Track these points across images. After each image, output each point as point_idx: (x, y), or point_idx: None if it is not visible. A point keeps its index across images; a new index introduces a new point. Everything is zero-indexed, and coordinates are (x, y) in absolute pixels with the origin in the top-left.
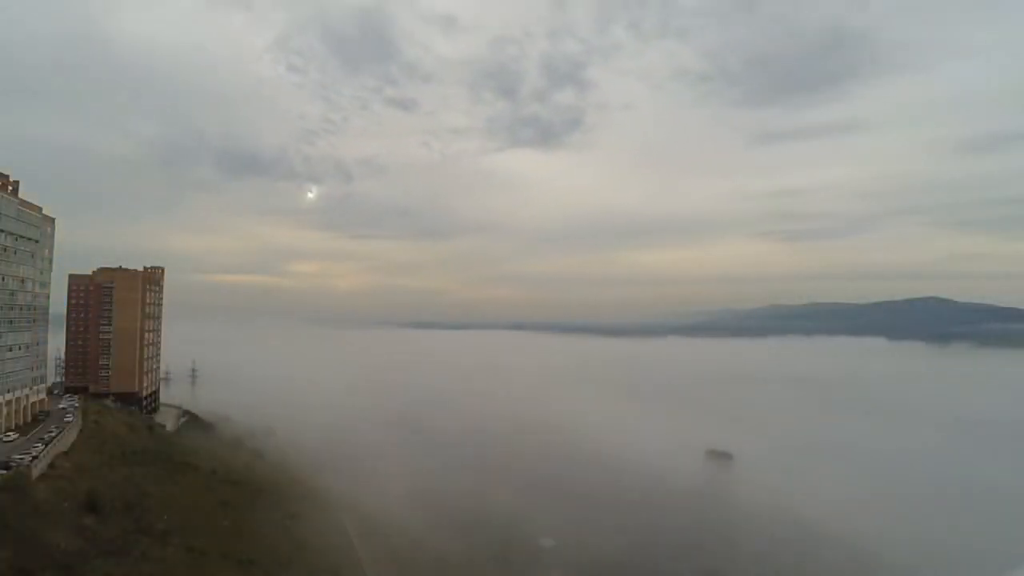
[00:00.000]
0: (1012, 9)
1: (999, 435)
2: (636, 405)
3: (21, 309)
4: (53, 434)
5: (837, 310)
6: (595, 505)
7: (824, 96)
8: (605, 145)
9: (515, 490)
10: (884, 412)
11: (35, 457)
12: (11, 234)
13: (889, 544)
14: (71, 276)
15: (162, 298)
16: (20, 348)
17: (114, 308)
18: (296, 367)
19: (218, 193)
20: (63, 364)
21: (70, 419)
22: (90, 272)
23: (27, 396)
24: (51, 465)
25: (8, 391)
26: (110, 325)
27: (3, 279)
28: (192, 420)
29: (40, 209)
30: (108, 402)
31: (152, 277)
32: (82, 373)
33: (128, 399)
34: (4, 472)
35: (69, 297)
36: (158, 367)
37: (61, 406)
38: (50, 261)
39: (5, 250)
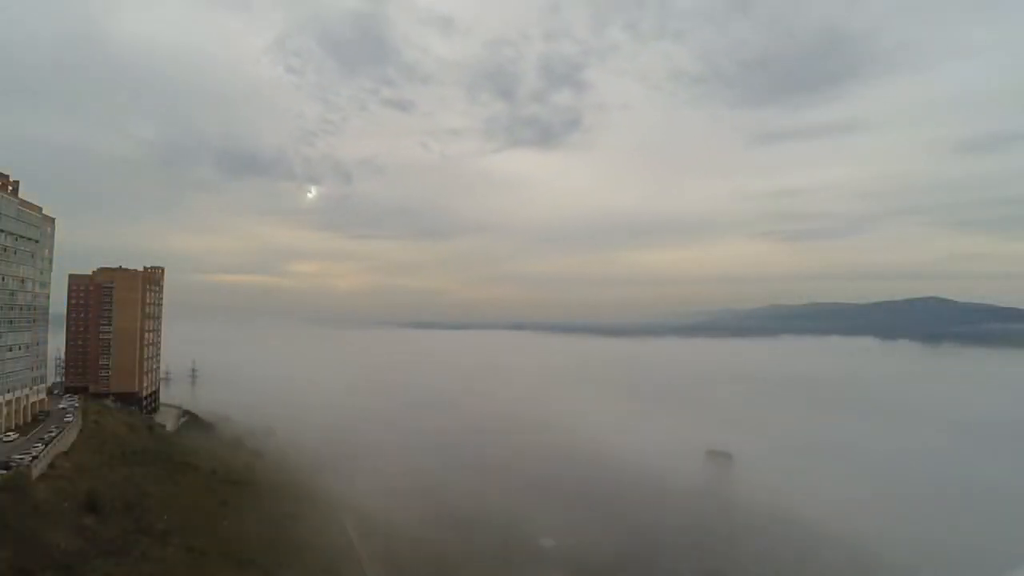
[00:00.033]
0: (1012, 9)
1: (999, 435)
2: (636, 405)
3: (21, 309)
4: (53, 434)
5: (837, 310)
6: (595, 505)
7: (824, 96)
8: (604, 145)
9: (515, 490)
10: (884, 412)
11: (35, 457)
12: (11, 234)
13: (889, 544)
14: (71, 276)
15: (162, 298)
16: (20, 348)
17: (114, 308)
18: (296, 367)
19: (218, 193)
20: (63, 364)
21: (70, 419)
22: (90, 272)
23: (27, 396)
24: (51, 465)
25: (8, 391)
26: (110, 325)
27: (3, 279)
28: (192, 420)
29: (40, 209)
30: (108, 402)
31: (152, 277)
32: (82, 373)
33: (128, 399)
34: (4, 472)
35: (69, 297)
36: (158, 367)
37: (61, 406)
38: (50, 261)
39: (5, 250)
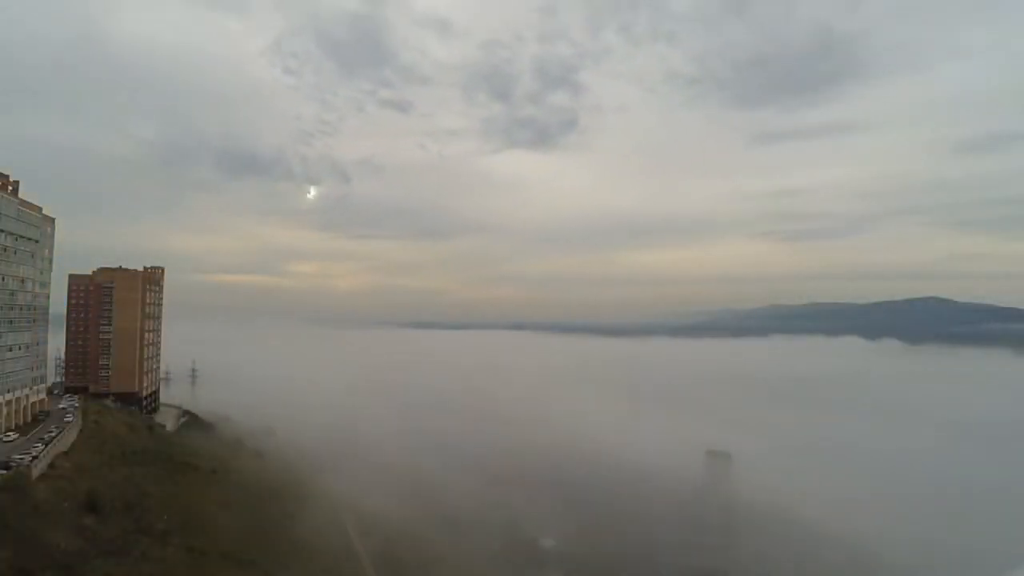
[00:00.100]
0: (1011, 9)
1: (999, 435)
2: (636, 405)
3: (21, 309)
4: (53, 434)
5: (837, 310)
6: (595, 505)
7: (823, 96)
8: (601, 146)
9: (515, 490)
10: (883, 412)
11: (35, 457)
12: (11, 234)
13: (889, 544)
14: (71, 276)
15: (162, 298)
16: (20, 348)
17: (114, 308)
18: (296, 367)
19: (218, 193)
20: (63, 364)
21: (70, 419)
22: (90, 272)
23: (27, 396)
24: (51, 465)
25: (8, 391)
26: (110, 325)
27: (3, 279)
28: (192, 420)
29: (40, 209)
30: (108, 402)
31: (152, 277)
32: (82, 373)
33: (128, 399)
34: (4, 472)
35: (69, 297)
36: (158, 367)
37: (61, 406)
38: (50, 261)
39: (5, 250)
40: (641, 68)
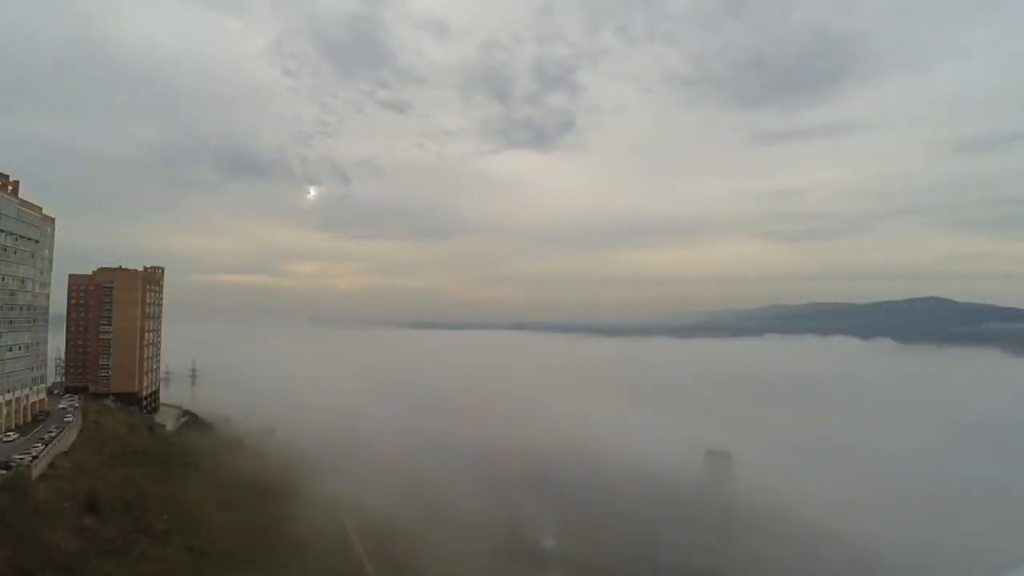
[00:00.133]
0: (1011, 9)
1: (999, 435)
2: (636, 405)
3: (21, 309)
4: (53, 434)
5: (837, 310)
6: (595, 505)
7: (823, 96)
8: (600, 147)
9: (515, 490)
10: (884, 412)
11: (35, 457)
12: (11, 234)
13: (889, 544)
14: (71, 276)
15: (162, 298)
16: (20, 348)
17: (114, 308)
18: (296, 367)
19: (218, 193)
20: (63, 364)
21: (70, 419)
22: (90, 272)
23: (27, 396)
24: (51, 465)
25: (8, 391)
26: (110, 325)
27: (3, 279)
28: (192, 420)
29: (40, 209)
30: (108, 402)
31: (152, 277)
32: (82, 373)
33: (128, 399)
34: (4, 472)
35: (69, 297)
36: (158, 367)
37: (61, 406)
38: (50, 261)
39: (5, 250)
40: (638, 68)
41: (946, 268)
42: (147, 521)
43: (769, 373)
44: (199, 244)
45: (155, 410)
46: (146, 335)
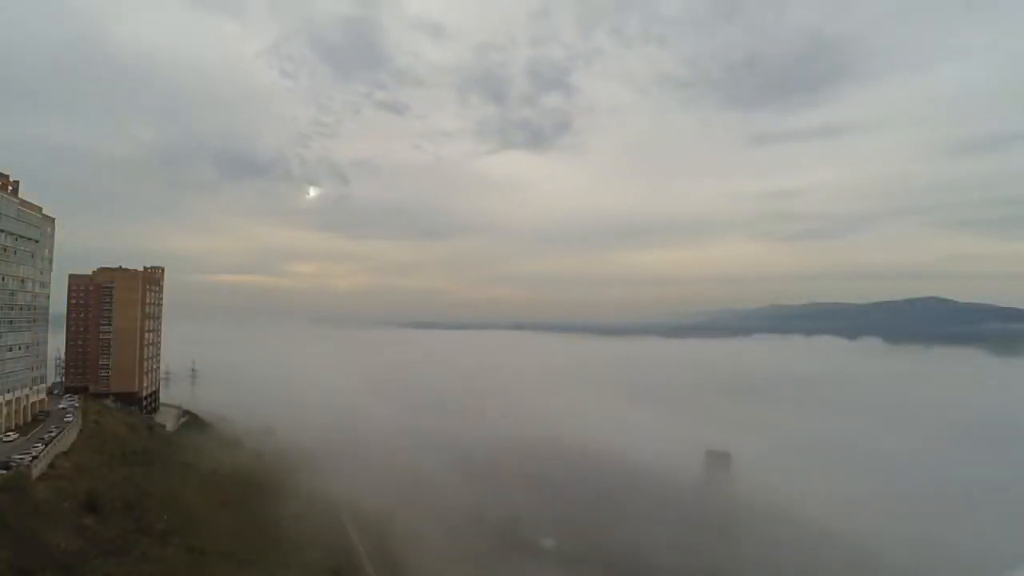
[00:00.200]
0: (1011, 9)
1: (999, 435)
2: (635, 405)
3: (21, 309)
4: (53, 434)
5: (837, 310)
6: (595, 505)
7: (822, 96)
8: (596, 147)
9: (515, 490)
10: (883, 412)
11: (35, 457)
12: (11, 234)
13: (889, 544)
14: (71, 276)
15: (162, 298)
16: (20, 348)
17: (114, 308)
18: (296, 367)
19: (217, 194)
20: (63, 364)
21: (70, 419)
22: (90, 272)
23: (27, 396)
24: (51, 465)
25: (8, 391)
26: (110, 325)
27: (3, 279)
28: (192, 420)
29: (40, 209)
30: (108, 402)
31: (152, 277)
32: (82, 373)
33: (128, 399)
34: (4, 472)
35: (69, 297)
36: (158, 367)
37: (61, 406)
38: (50, 261)
39: (5, 250)
40: (633, 70)
41: (946, 268)
42: (147, 521)
43: (769, 373)
44: (199, 244)
45: (155, 410)
46: (146, 335)
